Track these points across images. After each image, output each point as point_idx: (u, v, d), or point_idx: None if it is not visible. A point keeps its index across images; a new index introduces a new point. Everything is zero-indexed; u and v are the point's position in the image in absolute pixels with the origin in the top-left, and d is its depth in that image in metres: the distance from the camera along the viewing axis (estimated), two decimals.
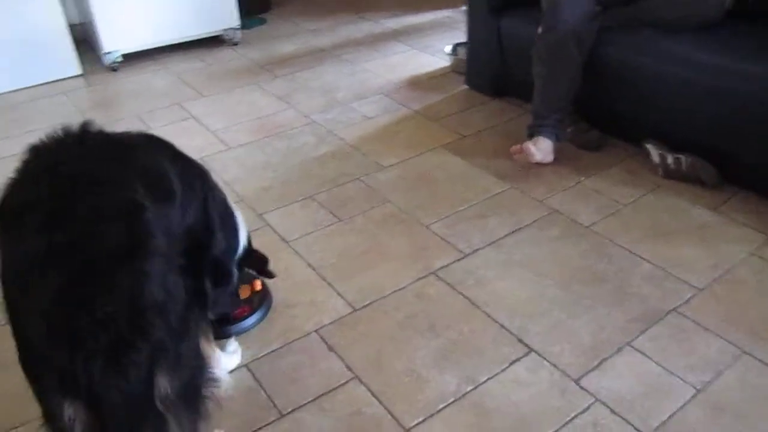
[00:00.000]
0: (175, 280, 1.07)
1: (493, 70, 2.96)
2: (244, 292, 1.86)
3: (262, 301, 1.86)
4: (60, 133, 1.18)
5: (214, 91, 3.27)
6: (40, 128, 2.97)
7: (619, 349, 1.71)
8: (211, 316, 1.55)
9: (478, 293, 1.92)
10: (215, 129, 2.90)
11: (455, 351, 1.73)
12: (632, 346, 1.72)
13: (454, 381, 1.64)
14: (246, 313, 1.81)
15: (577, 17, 2.34)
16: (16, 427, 1.55)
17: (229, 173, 2.55)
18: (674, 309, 1.83)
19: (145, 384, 0.98)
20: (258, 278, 1.91)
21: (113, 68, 3.50)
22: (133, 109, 3.12)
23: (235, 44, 3.80)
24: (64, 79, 3.41)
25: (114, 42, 3.47)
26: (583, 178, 2.42)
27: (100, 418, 0.97)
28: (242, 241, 1.69)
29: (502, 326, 1.80)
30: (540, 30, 2.44)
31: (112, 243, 1.00)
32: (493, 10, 2.79)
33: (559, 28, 2.36)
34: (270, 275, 1.85)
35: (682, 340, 1.73)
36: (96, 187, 1.09)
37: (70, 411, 0.96)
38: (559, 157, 2.51)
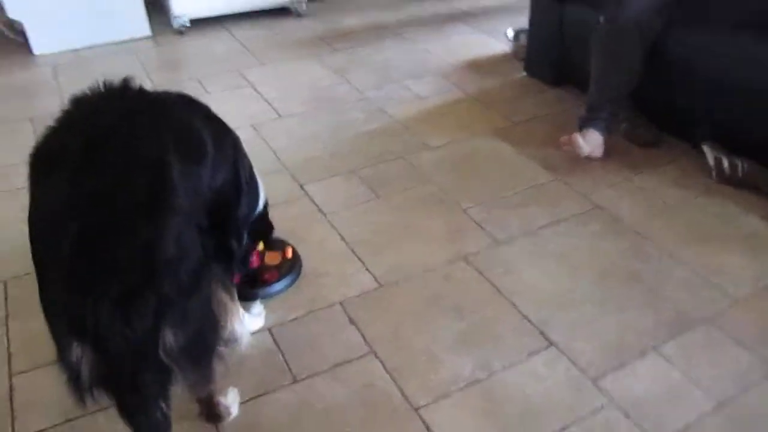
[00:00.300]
0: (192, 238, 1.11)
1: (553, 57, 2.89)
2: (274, 258, 1.91)
3: (291, 268, 1.90)
4: (101, 87, 1.23)
5: (273, 61, 3.33)
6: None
7: (643, 353, 1.67)
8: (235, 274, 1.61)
9: (507, 281, 1.90)
10: (270, 97, 2.95)
11: (475, 336, 1.73)
12: (658, 351, 1.67)
13: (469, 366, 1.65)
14: (274, 279, 1.86)
15: (642, 7, 2.26)
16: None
17: (277, 142, 2.60)
18: (708, 318, 1.76)
19: (149, 334, 1.03)
20: (290, 245, 1.96)
21: (180, 32, 3.62)
22: (194, 73, 3.22)
23: (301, 16, 3.85)
24: (134, 39, 3.55)
25: (183, 6, 3.58)
26: (632, 175, 2.35)
27: (105, 361, 1.03)
28: (259, 207, 1.72)
29: (526, 317, 1.78)
30: (602, 18, 2.37)
31: (134, 197, 1.05)
32: None
33: (623, 17, 2.28)
34: (269, 245, 1.86)
35: (711, 351, 1.67)
36: (126, 142, 1.13)
37: (77, 351, 1.02)
38: (610, 151, 2.45)
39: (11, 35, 3.53)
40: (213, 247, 1.31)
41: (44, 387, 1.58)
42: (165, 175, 1.09)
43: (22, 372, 1.62)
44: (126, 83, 1.27)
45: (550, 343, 1.70)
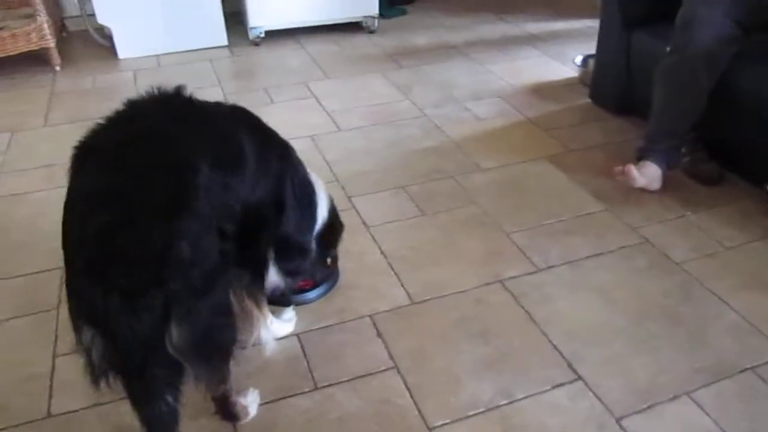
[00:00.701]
0: (209, 243, 1.15)
1: (618, 86, 2.83)
2: None
3: (326, 278, 1.94)
4: (155, 91, 1.31)
5: (340, 75, 3.42)
6: None
7: (675, 397, 1.60)
8: (273, 284, 1.65)
9: (540, 310, 1.87)
10: (332, 110, 3.02)
11: (499, 362, 1.71)
12: (690, 397, 1.60)
13: (490, 391, 1.63)
14: (308, 287, 1.90)
15: (710, 39, 2.18)
16: None
17: (332, 154, 2.66)
18: (751, 368, 1.67)
19: (156, 328, 1.08)
20: (332, 256, 1.98)
21: (255, 42, 3.77)
22: (263, 82, 3.34)
23: (372, 32, 3.93)
24: (211, 48, 3.73)
25: (260, 18, 3.72)
26: (688, 213, 2.26)
27: (114, 348, 1.10)
28: (321, 217, 1.73)
29: (555, 347, 1.75)
30: (669, 48, 2.30)
31: (157, 197, 1.11)
32: (627, 24, 2.66)
33: (689, 48, 2.21)
34: (333, 244, 1.86)
35: (749, 402, 1.58)
36: (159, 144, 1.20)
37: (88, 335, 1.10)
38: (668, 186, 2.36)
39: (100, 40, 3.78)
40: (243, 255, 1.35)
41: (82, 371, 1.68)
42: (189, 180, 1.15)
43: (65, 354, 1.72)
44: (178, 90, 1.33)
45: (578, 377, 1.66)
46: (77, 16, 3.94)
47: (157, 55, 3.66)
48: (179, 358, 1.13)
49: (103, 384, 1.18)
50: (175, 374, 1.17)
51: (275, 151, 1.52)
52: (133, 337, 1.06)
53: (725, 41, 2.19)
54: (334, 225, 1.84)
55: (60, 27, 3.87)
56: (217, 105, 1.46)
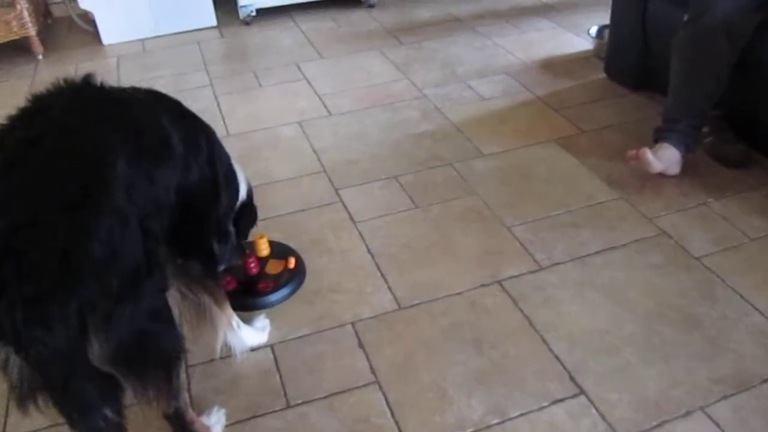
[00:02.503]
0: (129, 242, 1.02)
1: (635, 59, 2.59)
2: (275, 267, 1.81)
3: (290, 280, 1.79)
4: (62, 83, 1.17)
5: (334, 54, 3.22)
6: (164, 75, 3.17)
7: (689, 413, 1.42)
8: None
9: (541, 314, 1.69)
10: (323, 93, 2.84)
11: (493, 375, 1.53)
12: (706, 412, 1.41)
13: (480, 409, 1.46)
14: (269, 288, 1.76)
15: (730, 6, 1.94)
16: None
17: (321, 141, 2.48)
18: None
19: (73, 340, 0.96)
20: (294, 255, 1.85)
21: (246, 22, 3.58)
22: (252, 65, 3.16)
23: (371, 6, 3.71)
24: (199, 29, 3.55)
25: None
26: (710, 200, 2.04)
27: (31, 365, 0.97)
28: (240, 197, 1.61)
29: (557, 357, 1.57)
30: (686, 17, 2.07)
31: (63, 196, 0.98)
32: None
33: (709, 16, 1.98)
34: (243, 236, 1.72)
35: None
36: (66, 139, 1.06)
37: (2, 355, 0.97)
38: (689, 169, 2.15)
39: (84, 26, 3.63)
40: (189, 245, 1.28)
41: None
42: (101, 175, 1.02)
43: None
44: (87, 80, 1.20)
45: (580, 391, 1.48)
46: (61, 2, 3.80)
47: (143, 40, 3.50)
48: (112, 370, 1.02)
49: (32, 407, 1.06)
50: (109, 387, 1.05)
51: (201, 132, 1.40)
52: (49, 352, 0.93)
53: (747, 8, 1.95)
54: (252, 207, 1.70)
55: (45, 13, 3.73)
56: (134, 91, 1.33)
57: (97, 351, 0.99)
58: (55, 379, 1.01)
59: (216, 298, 1.47)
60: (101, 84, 1.21)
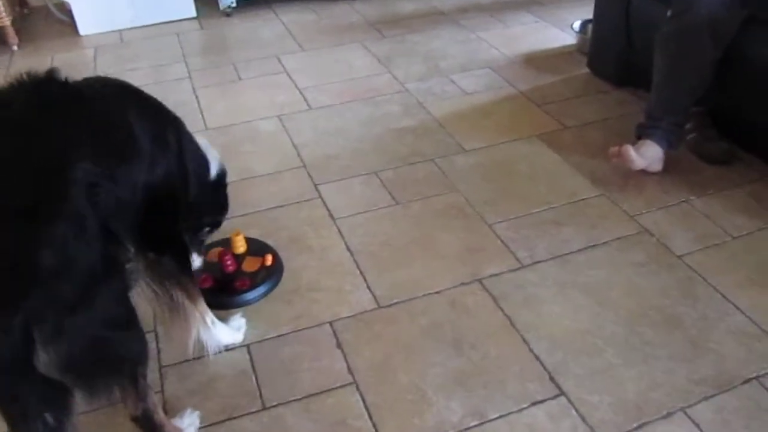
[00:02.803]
0: (84, 248, 0.98)
1: (619, 54, 2.57)
2: (252, 265, 1.77)
3: (267, 278, 1.75)
4: (24, 77, 1.12)
5: (315, 46, 3.17)
6: (142, 66, 3.11)
7: (669, 414, 1.40)
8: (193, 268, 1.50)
9: (522, 313, 1.67)
10: (303, 86, 2.79)
11: (472, 376, 1.51)
12: (686, 414, 1.40)
13: (459, 411, 1.43)
14: (246, 287, 1.72)
15: (716, 1, 1.92)
16: None
17: (301, 136, 2.44)
18: (757, 377, 1.47)
19: (19, 351, 0.92)
20: (271, 253, 1.82)
21: (227, 13, 3.52)
22: (231, 57, 3.11)
23: None
24: (178, 20, 3.48)
25: None
26: (692, 197, 2.03)
27: None
28: (211, 175, 1.57)
29: (537, 357, 1.55)
30: (670, 13, 2.05)
31: (16, 201, 0.94)
32: None
33: (693, 12, 1.96)
34: (214, 225, 1.66)
35: (753, 417, 1.38)
36: (23, 138, 1.02)
37: None
38: (671, 166, 2.13)
39: (60, 16, 3.54)
40: (160, 241, 1.25)
41: None
42: (59, 177, 0.98)
43: None
44: (51, 74, 1.15)
45: (560, 392, 1.46)
46: None
47: (120, 30, 3.41)
48: (58, 377, 0.98)
49: None
50: (55, 393, 1.02)
51: (168, 125, 1.36)
52: None
53: (732, 4, 1.94)
54: (223, 194, 1.65)
55: (20, 3, 3.64)
56: (99, 84, 1.29)
57: (45, 361, 0.96)
58: (1, 389, 0.99)
59: (190, 294, 1.43)
60: (65, 79, 1.16)
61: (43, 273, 0.92)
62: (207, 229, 1.61)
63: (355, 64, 2.98)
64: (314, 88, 2.78)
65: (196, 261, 1.63)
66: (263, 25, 3.44)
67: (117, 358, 1.10)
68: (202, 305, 1.51)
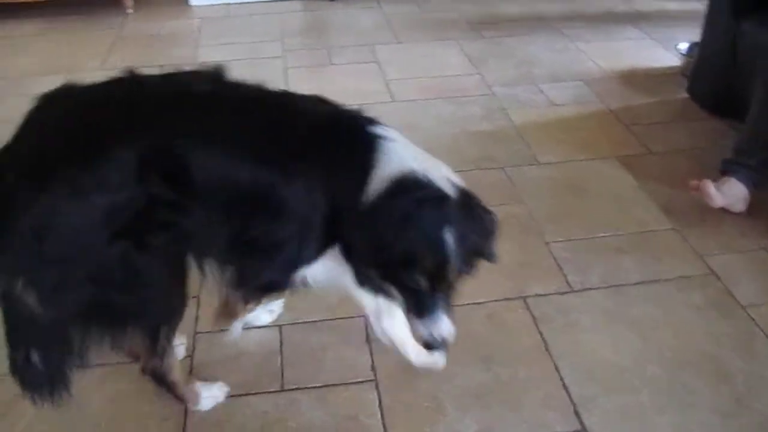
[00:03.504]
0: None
1: (720, 81, 2.41)
2: None
3: None
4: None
5: (410, 40, 3.18)
6: (241, 41, 3.23)
7: None
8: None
9: (560, 338, 1.61)
10: (390, 78, 2.81)
11: (494, 393, 1.48)
12: None
13: (472, 426, 1.41)
14: None
15: None
16: None
17: None
18: None
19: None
20: None
21: None
22: (326, 41, 3.18)
23: None
24: (285, 0, 3.59)
25: None
26: None
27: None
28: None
29: (565, 386, 1.49)
30: None
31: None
32: (736, 10, 2.23)
33: None
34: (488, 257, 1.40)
35: None
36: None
37: None
38: (756, 209, 1.99)
39: None
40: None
41: None
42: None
43: None
44: (218, 72, 1.28)
45: (581, 428, 1.41)
46: None
47: (229, 5, 3.57)
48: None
49: None
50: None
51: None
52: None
53: None
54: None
55: None
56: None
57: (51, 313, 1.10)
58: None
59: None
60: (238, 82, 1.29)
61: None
62: None
63: (447, 61, 2.96)
64: (401, 81, 2.79)
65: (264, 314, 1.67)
66: (364, 13, 3.50)
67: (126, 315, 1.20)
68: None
